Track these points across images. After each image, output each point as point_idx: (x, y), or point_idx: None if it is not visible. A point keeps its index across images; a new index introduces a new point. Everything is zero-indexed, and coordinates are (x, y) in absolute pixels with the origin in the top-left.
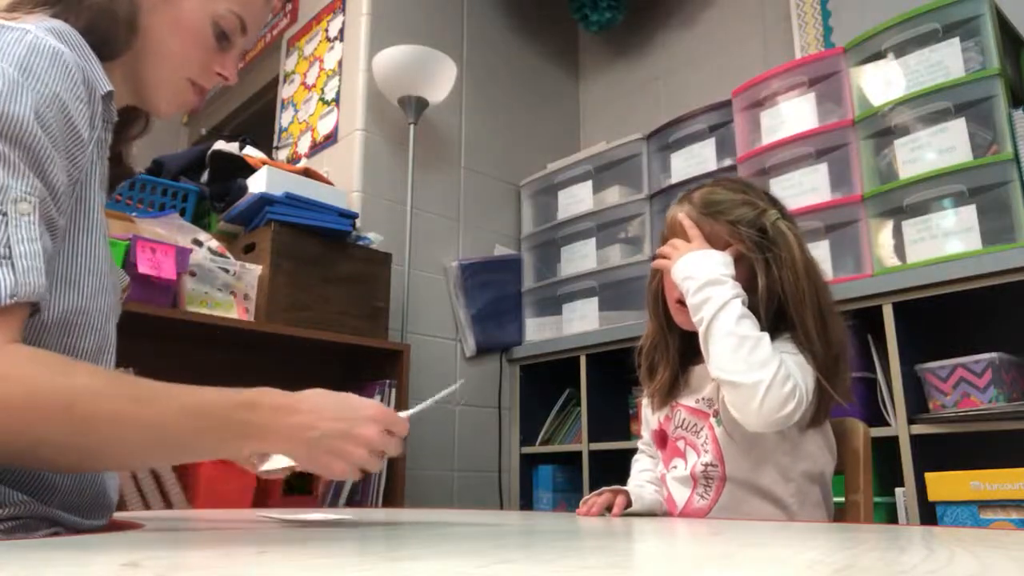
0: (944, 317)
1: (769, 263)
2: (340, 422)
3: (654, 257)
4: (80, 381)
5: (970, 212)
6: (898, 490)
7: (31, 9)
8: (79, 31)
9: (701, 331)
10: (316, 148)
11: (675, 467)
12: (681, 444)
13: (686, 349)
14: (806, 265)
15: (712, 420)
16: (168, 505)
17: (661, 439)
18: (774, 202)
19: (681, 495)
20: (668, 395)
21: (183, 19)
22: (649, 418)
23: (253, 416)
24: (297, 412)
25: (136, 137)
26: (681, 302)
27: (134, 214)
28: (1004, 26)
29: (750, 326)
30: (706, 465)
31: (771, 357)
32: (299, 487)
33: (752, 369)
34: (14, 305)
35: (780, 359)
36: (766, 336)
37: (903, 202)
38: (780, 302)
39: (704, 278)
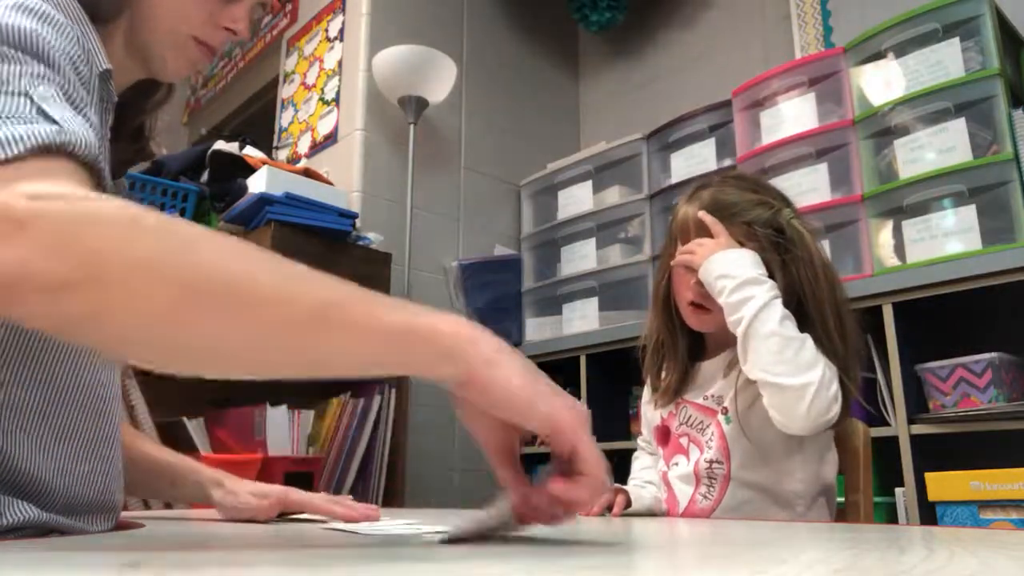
0: (944, 317)
1: (787, 263)
2: (550, 387)
3: (655, 257)
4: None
5: (970, 212)
6: (898, 490)
7: None
8: None
9: (740, 331)
10: (316, 148)
11: (676, 464)
12: (684, 441)
13: (693, 346)
14: (823, 263)
15: (720, 418)
16: (168, 505)
17: (663, 435)
18: (786, 200)
19: (683, 493)
20: (676, 393)
21: None
22: (650, 415)
23: (453, 330)
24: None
25: (158, 106)
26: (696, 304)
27: None
28: (1004, 26)
29: (792, 327)
30: (710, 462)
31: (816, 359)
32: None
33: (799, 371)
34: (69, 158)
35: (824, 361)
36: (809, 337)
37: (903, 202)
38: (798, 302)
39: (742, 277)
